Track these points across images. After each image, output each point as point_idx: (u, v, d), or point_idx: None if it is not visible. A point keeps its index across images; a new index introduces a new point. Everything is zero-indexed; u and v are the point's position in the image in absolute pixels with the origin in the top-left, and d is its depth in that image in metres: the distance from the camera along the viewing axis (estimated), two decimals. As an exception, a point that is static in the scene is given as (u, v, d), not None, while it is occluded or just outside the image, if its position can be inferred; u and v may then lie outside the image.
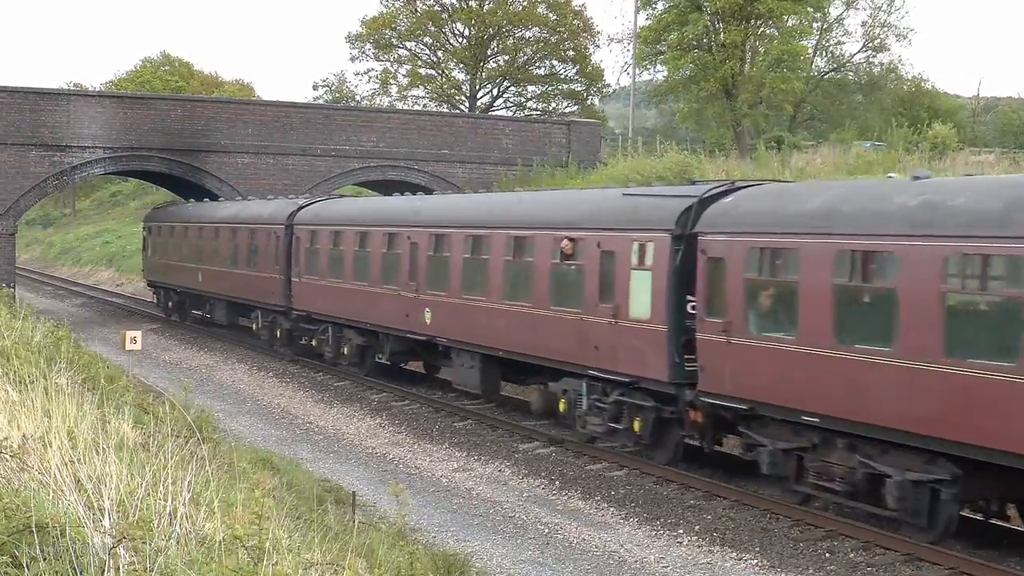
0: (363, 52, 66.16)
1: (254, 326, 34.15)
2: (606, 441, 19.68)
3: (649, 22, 53.45)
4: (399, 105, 65.09)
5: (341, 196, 36.88)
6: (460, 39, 65.04)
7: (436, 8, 64.50)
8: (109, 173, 44.93)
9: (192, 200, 42.39)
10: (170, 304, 41.70)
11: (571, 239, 19.46)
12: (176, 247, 40.21)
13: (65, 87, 77.36)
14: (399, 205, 28.21)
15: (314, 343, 30.39)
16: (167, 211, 43.79)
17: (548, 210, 21.65)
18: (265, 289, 32.17)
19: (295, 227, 30.78)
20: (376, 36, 64.99)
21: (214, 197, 41.58)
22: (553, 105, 65.90)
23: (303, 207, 31.21)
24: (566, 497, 17.71)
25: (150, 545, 6.25)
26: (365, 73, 68.84)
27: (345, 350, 28.40)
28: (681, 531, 15.76)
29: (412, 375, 28.42)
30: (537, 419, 21.89)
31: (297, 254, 30.44)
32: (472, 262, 22.65)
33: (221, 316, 36.48)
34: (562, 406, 20.24)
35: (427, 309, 24.04)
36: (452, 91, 65.33)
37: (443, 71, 66.35)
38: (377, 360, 27.52)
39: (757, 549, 14.81)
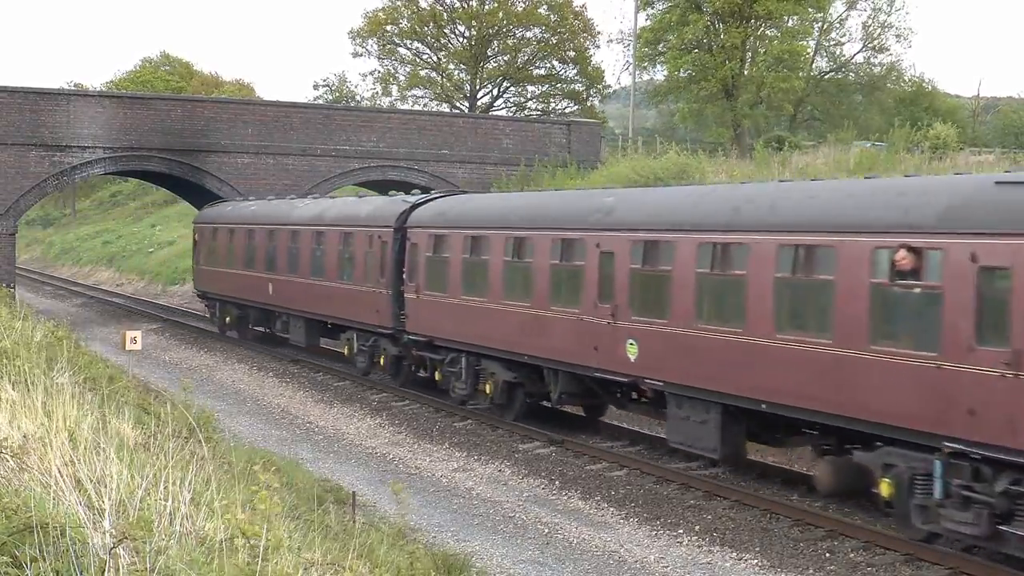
0: (365, 48, 66.18)
1: (345, 350, 28.71)
2: (968, 545, 13.89)
3: (649, 22, 53.48)
4: (399, 105, 65.12)
5: (462, 192, 29.51)
6: (460, 39, 65.07)
7: (437, 8, 64.52)
8: (109, 173, 44.90)
9: (252, 197, 38.70)
10: (227, 319, 36.57)
11: (912, 248, 13.65)
12: (237, 253, 35.16)
13: (65, 87, 77.38)
14: (577, 201, 21.32)
15: (436, 376, 24.54)
16: (223, 210, 38.15)
17: (860, 204, 14.98)
18: (363, 306, 26.82)
19: (409, 230, 25.22)
20: (378, 32, 64.97)
21: (214, 197, 41.54)
22: (553, 105, 65.93)
23: (418, 205, 25.73)
24: (566, 497, 17.72)
25: (150, 545, 6.26)
26: (370, 74, 68.91)
27: (487, 387, 22.46)
28: (681, 531, 15.77)
29: (571, 420, 22.91)
30: (824, 497, 16.45)
31: (412, 264, 24.84)
32: (712, 280, 16.90)
33: (298, 336, 31.40)
34: (886, 488, 14.26)
35: (631, 340, 18.19)
36: (452, 91, 65.34)
37: (443, 71, 66.35)
38: (530, 400, 22.31)
39: (757, 549, 14.82)
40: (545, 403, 22.23)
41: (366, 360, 27.66)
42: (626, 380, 18.86)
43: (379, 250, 26.16)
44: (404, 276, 25.13)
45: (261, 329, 34.88)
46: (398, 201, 27.01)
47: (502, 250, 21.81)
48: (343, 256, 28.27)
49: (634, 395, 19.83)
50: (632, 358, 18.24)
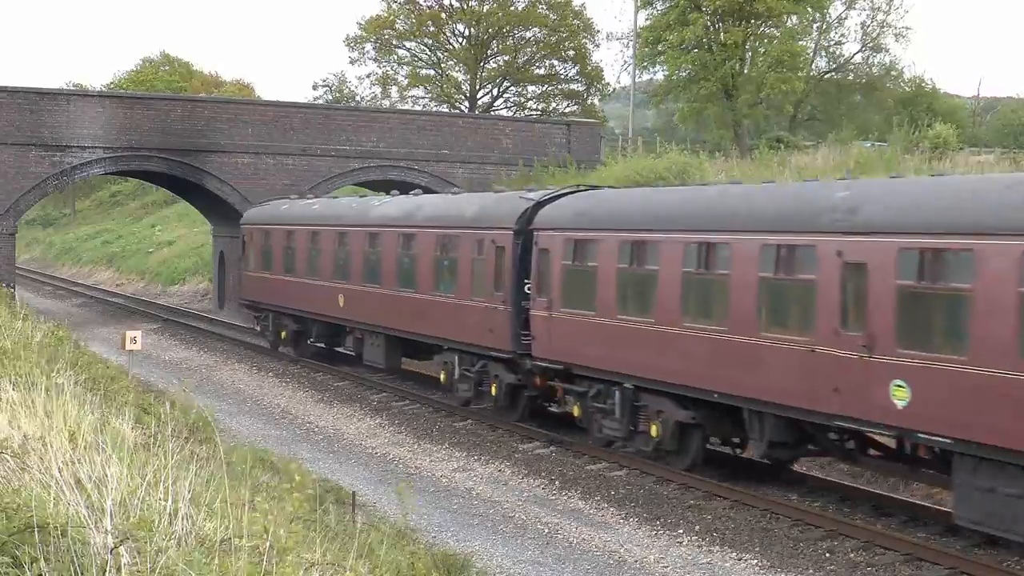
0: (362, 53, 66.20)
1: (442, 375, 24.15)
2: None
3: (649, 22, 53.47)
4: (399, 105, 65.09)
5: (595, 188, 23.57)
6: (460, 39, 65.07)
7: (436, 8, 64.52)
8: (109, 173, 44.86)
9: (311, 195, 35.28)
10: (282, 334, 32.02)
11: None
12: (297, 258, 30.84)
13: (65, 87, 77.37)
14: (799, 196, 17.00)
15: (575, 412, 20.25)
16: (278, 209, 34.19)
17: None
18: (470, 324, 22.67)
19: (537, 233, 20.77)
20: (376, 37, 64.99)
21: (214, 197, 41.53)
22: (553, 105, 65.90)
23: (545, 202, 21.45)
24: (566, 497, 17.72)
25: (151, 545, 6.26)
26: (367, 77, 68.99)
27: (652, 429, 18.11)
28: (681, 531, 15.77)
29: (749, 468, 18.70)
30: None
31: (543, 274, 20.45)
32: None
33: (375, 355, 27.15)
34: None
35: (898, 381, 13.96)
36: (452, 91, 65.34)
37: (443, 71, 66.35)
38: (711, 447, 18.71)
39: (757, 549, 14.83)
40: (724, 448, 18.87)
41: (470, 388, 23.01)
42: (889, 433, 14.89)
43: (493, 257, 21.90)
44: (529, 289, 20.92)
45: (323, 346, 31.05)
46: (513, 198, 22.91)
47: (679, 259, 17.50)
48: (441, 263, 24.19)
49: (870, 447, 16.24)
50: (900, 405, 13.97)
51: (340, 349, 30.52)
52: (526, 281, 21.09)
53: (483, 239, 22.42)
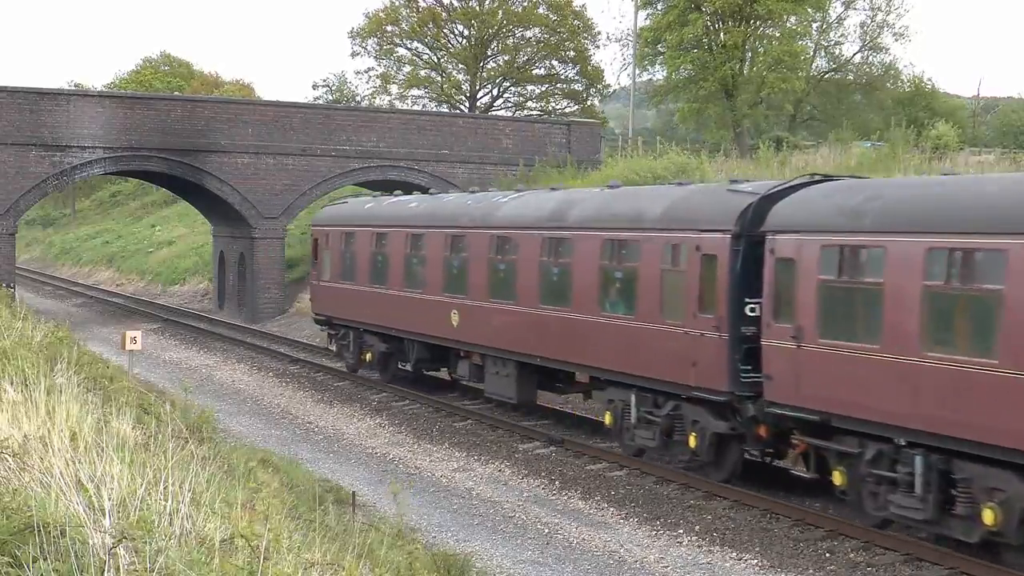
0: (364, 48, 66.16)
1: (607, 417, 19.41)
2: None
3: (648, 22, 53.48)
4: (399, 105, 65.10)
5: (829, 178, 17.88)
6: (460, 39, 65.06)
7: (436, 8, 64.50)
8: (109, 173, 44.87)
9: (398, 192, 30.52)
10: (366, 355, 27.59)
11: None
12: (391, 267, 26.19)
13: (65, 87, 77.37)
14: None
15: (837, 479, 15.21)
16: (362, 208, 29.59)
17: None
18: (657, 353, 17.77)
19: (773, 238, 15.94)
20: (378, 32, 64.97)
21: (214, 197, 41.53)
22: (553, 105, 65.89)
23: (780, 194, 16.64)
24: (566, 497, 17.72)
25: (151, 545, 6.26)
26: (365, 72, 68.90)
27: (988, 514, 12.85)
28: (681, 531, 15.78)
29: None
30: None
31: (786, 292, 15.64)
32: None
33: (501, 386, 22.30)
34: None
35: None
36: (452, 91, 65.32)
37: (443, 71, 66.35)
38: None
39: (757, 549, 14.83)
40: None
41: (654, 436, 18.14)
42: None
43: (697, 268, 16.98)
44: (753, 310, 16.29)
45: (418, 370, 26.51)
46: (718, 191, 18.18)
47: None
48: (609, 276, 19.20)
49: None
50: None
51: (450, 376, 26.08)
52: (748, 300, 16.25)
53: (679, 245, 17.37)
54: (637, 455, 18.90)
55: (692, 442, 17.30)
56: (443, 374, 26.48)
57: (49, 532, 6.32)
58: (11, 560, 6.09)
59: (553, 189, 23.60)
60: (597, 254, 19.33)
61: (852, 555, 14.36)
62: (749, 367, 16.27)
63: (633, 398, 18.51)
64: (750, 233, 16.34)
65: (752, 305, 16.30)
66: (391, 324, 26.13)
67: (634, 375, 18.40)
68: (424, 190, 42.99)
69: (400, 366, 26.88)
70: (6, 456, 8.08)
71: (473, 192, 25.93)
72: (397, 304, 25.69)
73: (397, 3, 65.07)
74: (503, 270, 22.20)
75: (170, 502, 7.30)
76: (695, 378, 16.92)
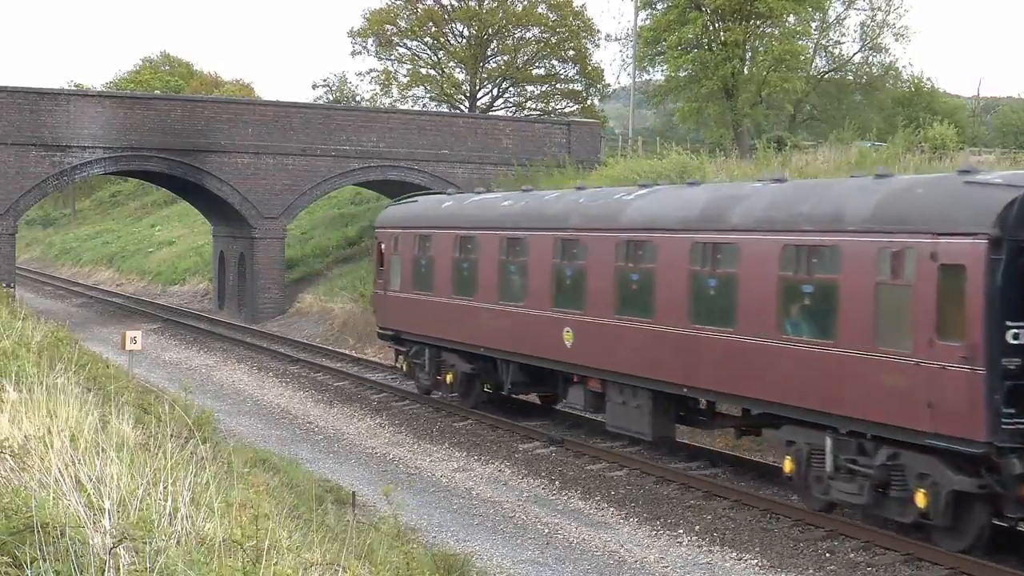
0: (364, 47, 66.17)
1: (787, 463, 15.95)
2: None
3: (648, 22, 53.45)
4: (399, 105, 65.12)
5: None
6: (460, 39, 65.06)
7: (436, 8, 64.50)
8: (109, 173, 44.88)
9: (480, 190, 26.91)
10: (445, 376, 24.11)
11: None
12: (481, 275, 22.73)
13: (65, 87, 77.38)
14: None
15: None
16: (440, 206, 25.55)
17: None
18: (869, 388, 14.39)
19: None
20: (378, 31, 64.97)
21: (214, 197, 41.51)
22: (553, 105, 65.90)
23: None
24: (566, 497, 17.72)
25: (150, 545, 6.26)
26: (367, 73, 68.95)
27: None
28: (681, 531, 15.77)
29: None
30: None
31: None
32: None
33: (632, 419, 18.76)
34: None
35: None
36: (452, 91, 65.33)
37: (443, 71, 66.35)
38: None
39: (757, 549, 14.83)
40: None
41: (861, 491, 14.73)
42: None
43: (934, 282, 13.53)
44: (1018, 337, 13.03)
45: (521, 394, 23.69)
46: (952, 184, 14.21)
47: None
48: (793, 289, 15.75)
49: None
50: None
51: (539, 400, 23.72)
52: (1010, 324, 13.02)
53: (902, 252, 13.98)
54: (825, 510, 15.55)
55: (921, 501, 13.79)
56: (530, 396, 23.85)
57: (49, 532, 6.31)
58: (11, 560, 6.08)
59: (691, 184, 19.66)
60: (775, 263, 15.79)
61: (852, 555, 14.36)
62: (1013, 410, 12.91)
63: (829, 442, 15.04)
64: (1015, 238, 12.96)
65: (1017, 331, 12.98)
66: (479, 342, 22.68)
67: (830, 413, 14.89)
68: (424, 190, 43.18)
69: (485, 388, 23.84)
70: (6, 456, 8.08)
71: (580, 189, 22.40)
72: (488, 319, 22.32)
73: (395, 3, 65.08)
74: (636, 281, 18.57)
75: (170, 502, 7.30)
76: (931, 422, 13.46)
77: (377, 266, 27.17)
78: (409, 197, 28.53)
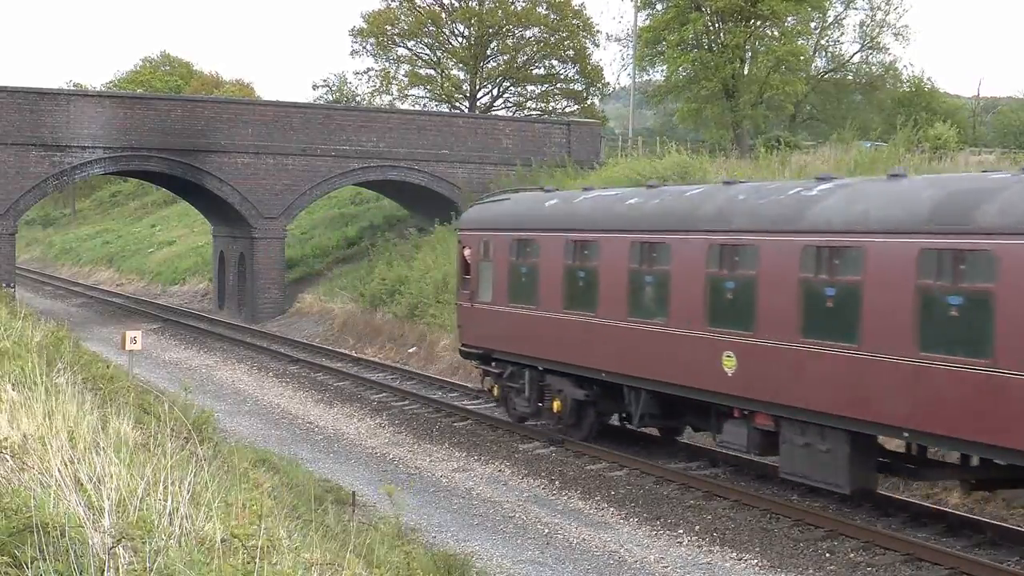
0: (364, 47, 66.16)
1: None
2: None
3: (648, 22, 53.46)
4: (399, 104, 65.12)
5: None
6: (460, 39, 65.07)
7: (436, 8, 64.52)
8: (109, 173, 44.88)
9: (587, 187, 24.16)
10: (554, 404, 20.72)
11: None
12: (602, 285, 19.16)
13: (65, 87, 77.38)
14: None
15: None
16: (540, 205, 21.91)
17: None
18: None
19: None
20: (377, 32, 64.97)
21: (214, 197, 41.50)
22: (553, 105, 65.90)
23: None
24: (566, 497, 17.72)
25: (150, 545, 6.26)
26: (365, 72, 68.93)
27: None
28: (681, 531, 15.77)
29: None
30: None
31: None
32: None
33: (816, 463, 15.33)
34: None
35: None
36: (452, 91, 65.33)
37: (443, 71, 66.37)
38: None
39: (757, 549, 14.83)
40: None
41: None
42: None
43: None
44: None
45: (653, 428, 20.46)
46: None
47: None
48: None
49: None
50: None
51: (673, 433, 20.39)
52: None
53: None
54: None
55: None
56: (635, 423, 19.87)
57: (49, 532, 6.31)
58: (11, 560, 6.08)
59: (894, 175, 15.40)
60: None
61: (852, 555, 14.36)
62: None
63: None
64: None
65: None
66: (599, 365, 19.30)
67: None
68: (427, 190, 43.17)
69: (600, 418, 20.80)
70: (6, 456, 8.08)
71: (731, 183, 18.48)
72: (613, 339, 18.85)
73: (394, 5, 65.10)
74: (832, 297, 14.85)
75: (170, 502, 7.30)
76: None
77: (461, 274, 23.59)
78: (496, 195, 25.23)
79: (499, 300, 22.01)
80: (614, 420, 21.15)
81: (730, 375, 16.41)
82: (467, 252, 23.16)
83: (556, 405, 20.64)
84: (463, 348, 23.58)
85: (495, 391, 22.71)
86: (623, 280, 18.65)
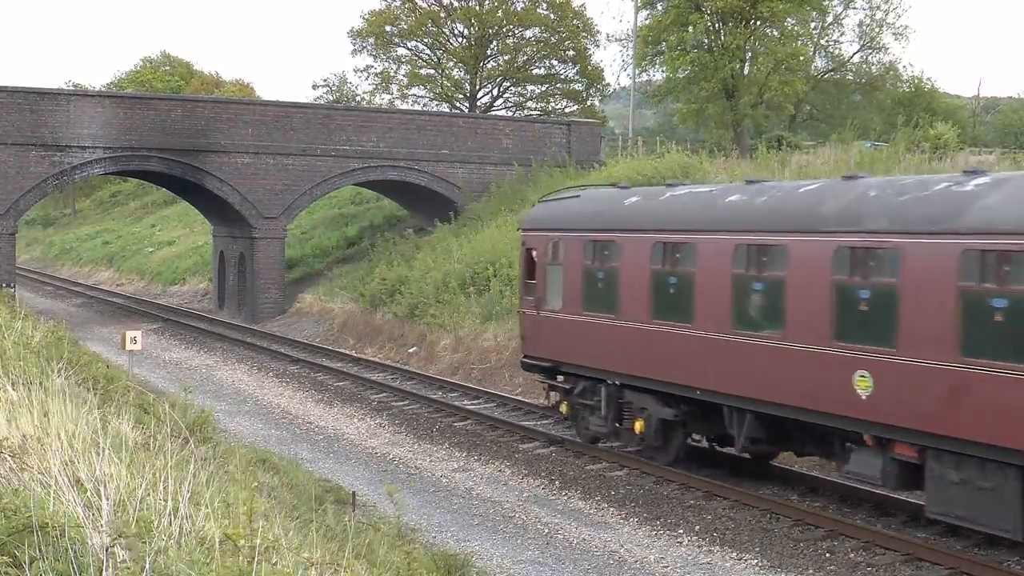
0: (364, 47, 66.15)
1: None
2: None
3: (648, 23, 53.44)
4: (399, 104, 65.12)
5: None
6: (460, 39, 65.08)
7: (435, 8, 64.53)
8: (109, 173, 44.87)
9: (672, 181, 21.64)
10: (633, 423, 18.72)
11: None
12: (699, 294, 17.12)
13: (65, 87, 77.38)
14: None
15: None
16: (622, 202, 19.67)
17: None
18: None
19: None
20: (377, 32, 64.96)
21: (214, 197, 41.48)
22: (553, 105, 65.92)
23: None
24: (566, 497, 17.72)
25: (149, 545, 6.25)
26: (364, 70, 68.93)
27: None
28: (681, 531, 15.77)
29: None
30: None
31: None
32: None
33: (978, 504, 13.30)
34: None
35: None
36: (452, 91, 65.33)
37: (443, 71, 66.38)
38: None
39: (757, 549, 14.82)
40: None
41: None
42: None
43: None
44: None
45: (759, 454, 18.05)
46: None
47: None
48: None
49: None
50: None
51: (841, 474, 16.30)
52: None
53: None
54: None
55: None
56: (723, 447, 18.72)
57: (48, 532, 6.31)
58: (10, 560, 6.08)
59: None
60: None
61: (852, 555, 14.36)
62: None
63: None
64: None
65: None
66: (693, 382, 17.29)
67: None
68: (427, 190, 43.17)
69: (691, 439, 18.98)
70: (6, 456, 8.07)
71: (853, 177, 16.29)
72: (711, 353, 16.84)
73: (394, 5, 65.09)
74: (1001, 310, 12.66)
75: (169, 502, 7.30)
76: None
77: (524, 278, 21.42)
78: (562, 192, 22.83)
79: (571, 308, 19.72)
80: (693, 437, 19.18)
81: (864, 398, 14.35)
82: (533, 254, 20.96)
83: (638, 425, 18.50)
84: (527, 360, 21.35)
85: (564, 408, 20.51)
86: (726, 287, 16.48)
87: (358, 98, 70.09)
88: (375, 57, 66.30)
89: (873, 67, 59.46)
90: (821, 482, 17.37)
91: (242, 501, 8.15)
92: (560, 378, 20.64)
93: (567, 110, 64.74)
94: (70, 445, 8.42)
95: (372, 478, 18.72)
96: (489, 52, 64.88)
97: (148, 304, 48.09)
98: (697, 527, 15.87)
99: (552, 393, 21.12)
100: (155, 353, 33.20)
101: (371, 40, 65.22)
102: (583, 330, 19.42)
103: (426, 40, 65.32)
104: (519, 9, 63.36)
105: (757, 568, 14.21)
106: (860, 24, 58.53)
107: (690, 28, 48.59)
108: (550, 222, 20.83)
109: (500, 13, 62.96)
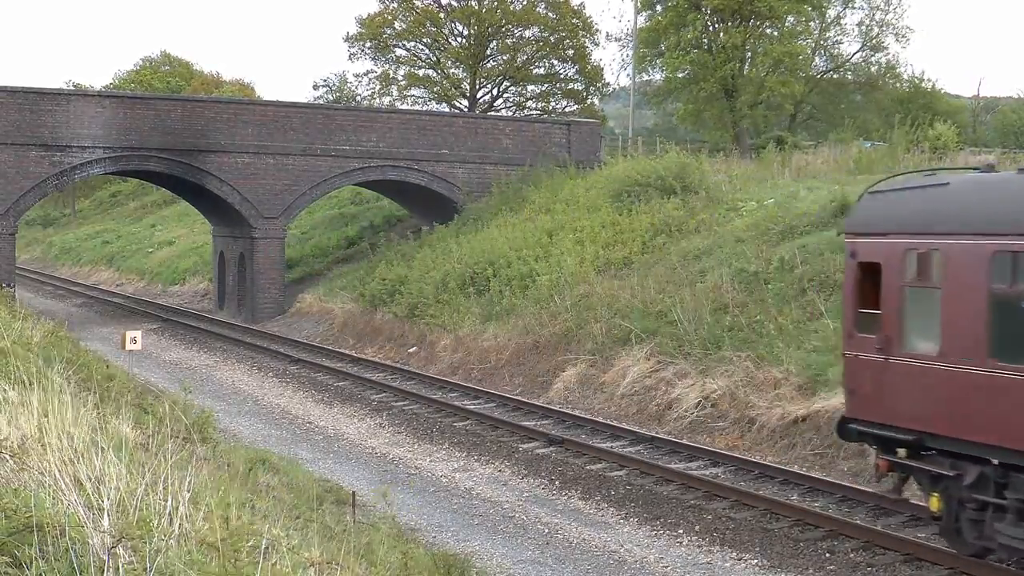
0: (362, 50, 66.12)
1: None
2: None
3: (648, 23, 53.45)
4: (399, 105, 65.07)
5: None
6: (459, 39, 65.05)
7: (434, 8, 64.50)
8: (109, 173, 44.84)
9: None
10: None
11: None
12: None
13: (65, 87, 77.37)
14: None
15: None
16: None
17: None
18: None
19: None
20: (374, 35, 64.93)
21: (215, 197, 41.48)
22: (553, 105, 65.88)
23: None
24: (566, 497, 17.72)
25: (150, 545, 6.25)
26: (364, 75, 68.89)
27: None
28: (681, 531, 15.77)
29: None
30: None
31: None
32: None
33: None
34: None
35: None
36: (451, 91, 65.31)
37: (442, 71, 66.35)
38: None
39: (757, 549, 14.82)
40: None
41: None
42: None
43: None
44: None
45: None
46: None
47: None
48: None
49: None
50: None
51: None
52: None
53: None
54: None
55: None
56: None
57: (48, 532, 6.31)
58: (10, 560, 6.08)
59: None
60: None
61: (852, 555, 14.36)
62: None
63: None
64: None
65: None
66: None
67: None
68: (427, 190, 43.15)
69: None
70: (5, 456, 8.07)
71: None
72: None
73: (393, 6, 65.03)
74: None
75: (169, 502, 7.29)
76: None
77: (855, 305, 14.36)
78: (912, 179, 15.24)
79: (958, 352, 12.57)
80: None
81: None
82: (862, 269, 14.21)
83: None
84: (856, 426, 14.26)
85: (934, 503, 13.30)
86: None
87: (358, 98, 70.07)
88: (374, 60, 66.31)
89: (873, 67, 59.46)
90: (821, 482, 17.43)
91: (242, 501, 8.16)
92: (924, 458, 13.47)
93: (567, 110, 64.72)
94: (70, 445, 8.41)
95: (372, 478, 18.72)
96: (488, 52, 64.86)
97: (148, 304, 48.08)
98: (697, 527, 15.87)
99: (895, 474, 14.09)
100: (155, 353, 33.19)
101: (367, 44, 65.16)
102: (987, 388, 12.24)
103: (425, 40, 65.29)
104: (518, 8, 63.34)
105: (757, 568, 14.21)
106: (860, 24, 58.56)
107: (689, 28, 48.58)
108: (907, 223, 13.71)
109: (499, 13, 62.93)
